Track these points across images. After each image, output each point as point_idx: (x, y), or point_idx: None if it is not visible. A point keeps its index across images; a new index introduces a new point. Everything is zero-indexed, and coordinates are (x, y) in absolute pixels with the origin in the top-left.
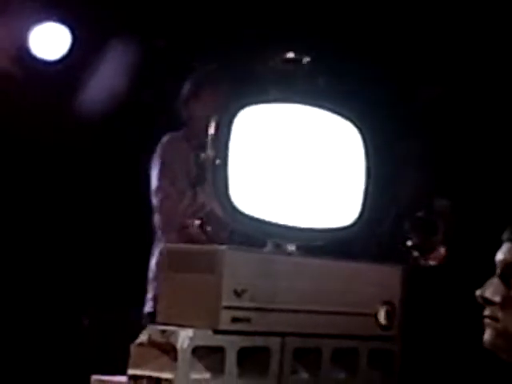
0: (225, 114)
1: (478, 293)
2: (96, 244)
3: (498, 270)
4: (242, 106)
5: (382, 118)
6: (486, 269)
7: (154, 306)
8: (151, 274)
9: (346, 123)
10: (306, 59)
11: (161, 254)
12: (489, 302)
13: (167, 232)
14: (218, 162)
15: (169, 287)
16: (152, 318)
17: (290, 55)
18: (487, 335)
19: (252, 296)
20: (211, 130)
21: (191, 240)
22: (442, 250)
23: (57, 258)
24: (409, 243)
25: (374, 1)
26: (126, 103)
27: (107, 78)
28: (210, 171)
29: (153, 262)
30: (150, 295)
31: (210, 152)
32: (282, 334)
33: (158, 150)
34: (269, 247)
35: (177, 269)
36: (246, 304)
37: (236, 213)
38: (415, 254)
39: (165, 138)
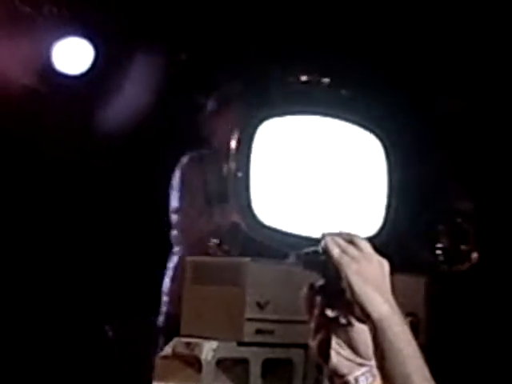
0: (246, 127)
1: None
2: (120, 255)
3: None
4: (264, 119)
5: (405, 129)
6: None
7: (168, 321)
8: (165, 288)
9: (367, 135)
10: (325, 81)
11: (176, 269)
12: None
13: (184, 251)
14: (239, 174)
15: (192, 300)
16: (164, 332)
17: (309, 77)
18: None
19: (275, 308)
20: (233, 144)
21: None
22: (475, 255)
23: (82, 269)
24: (438, 251)
25: (396, 13)
26: (149, 117)
27: (130, 92)
28: (231, 184)
29: (168, 275)
30: (164, 309)
31: (231, 165)
32: (305, 346)
33: (178, 170)
34: (291, 259)
35: (200, 281)
36: (270, 316)
37: (258, 225)
38: (442, 260)
39: (184, 159)
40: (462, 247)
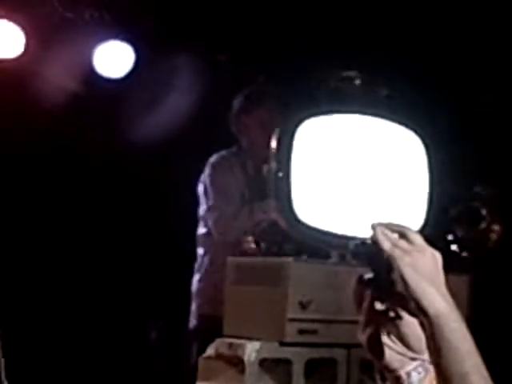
0: (286, 127)
1: None
2: (162, 257)
3: None
4: (304, 118)
5: (442, 124)
6: None
7: (200, 323)
8: (195, 289)
9: (407, 132)
10: (359, 78)
11: (207, 271)
12: None
13: (217, 250)
14: (280, 174)
15: (234, 300)
16: (196, 334)
17: (348, 75)
18: None
19: (317, 308)
20: (273, 143)
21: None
22: (496, 229)
23: (124, 272)
24: (449, 237)
25: (431, 11)
26: (189, 120)
27: (170, 95)
28: (272, 184)
29: (195, 279)
30: (195, 311)
31: (272, 165)
32: (348, 346)
33: (208, 170)
34: (333, 258)
35: (242, 282)
36: (312, 316)
37: (300, 225)
38: (454, 248)
39: (212, 159)
40: (477, 228)
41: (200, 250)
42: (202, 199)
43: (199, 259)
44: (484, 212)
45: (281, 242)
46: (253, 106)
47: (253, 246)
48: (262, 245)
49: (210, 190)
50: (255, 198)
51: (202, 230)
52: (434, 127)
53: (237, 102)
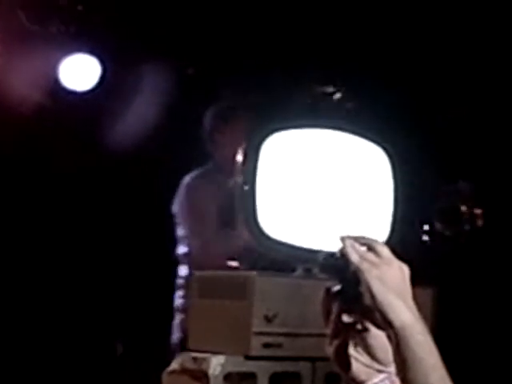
0: (252, 140)
1: None
2: (131, 272)
3: None
4: (270, 132)
5: (409, 140)
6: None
7: (182, 338)
8: (177, 304)
9: (372, 146)
10: (325, 93)
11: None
12: None
13: (197, 268)
14: (246, 188)
15: (199, 314)
16: (181, 346)
17: (314, 87)
18: None
19: (282, 321)
20: (239, 157)
21: None
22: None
23: (92, 285)
24: (425, 227)
25: (399, 23)
26: (156, 132)
27: (137, 108)
28: (238, 197)
29: (179, 294)
30: (177, 326)
31: (238, 178)
32: (313, 359)
33: (183, 191)
34: (299, 272)
35: (207, 296)
36: (277, 329)
37: (265, 238)
38: (425, 238)
39: (187, 179)
40: (457, 225)
41: (183, 269)
42: (180, 220)
43: (179, 275)
44: (463, 208)
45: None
46: (224, 124)
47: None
48: (245, 264)
49: (187, 214)
50: (231, 215)
51: (183, 249)
52: (402, 140)
53: (208, 120)
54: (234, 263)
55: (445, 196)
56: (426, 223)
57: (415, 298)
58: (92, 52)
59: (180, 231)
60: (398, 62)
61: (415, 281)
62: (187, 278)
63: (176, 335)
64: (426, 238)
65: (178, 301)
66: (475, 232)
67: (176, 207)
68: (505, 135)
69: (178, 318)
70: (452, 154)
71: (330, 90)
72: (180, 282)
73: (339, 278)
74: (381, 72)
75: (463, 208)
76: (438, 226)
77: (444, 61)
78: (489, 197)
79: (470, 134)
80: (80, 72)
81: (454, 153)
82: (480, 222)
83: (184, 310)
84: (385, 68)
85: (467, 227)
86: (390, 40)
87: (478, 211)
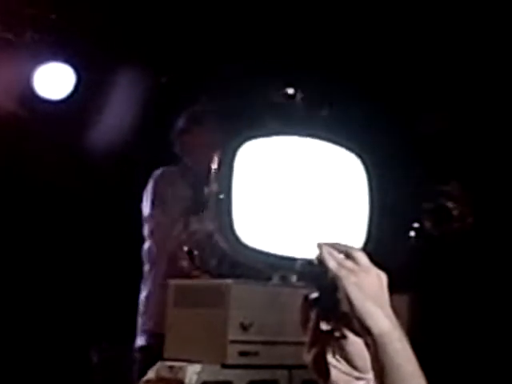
0: (227, 148)
1: None
2: (104, 279)
3: None
4: (245, 140)
5: (383, 146)
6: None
7: (147, 340)
8: (141, 307)
9: (346, 153)
10: (301, 95)
11: (151, 288)
12: None
13: (158, 263)
14: (221, 196)
15: (175, 323)
16: (145, 351)
17: (287, 91)
18: None
19: (258, 329)
20: (214, 165)
21: (181, 270)
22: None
23: (66, 293)
24: (415, 225)
25: (377, 30)
26: (131, 140)
27: (111, 116)
28: (213, 206)
29: (142, 295)
30: (141, 329)
31: (213, 186)
32: (290, 367)
33: (151, 182)
34: (275, 280)
35: (183, 304)
36: (253, 337)
37: (241, 246)
38: (412, 234)
39: (157, 172)
40: (446, 224)
41: (146, 267)
42: (146, 214)
43: (145, 275)
44: (453, 210)
45: (219, 257)
46: (194, 126)
47: (186, 263)
48: (196, 255)
49: (149, 201)
50: (198, 210)
51: (146, 245)
52: (376, 146)
53: (179, 122)
54: (184, 250)
55: (434, 196)
56: (415, 223)
57: (392, 304)
58: (66, 60)
59: (145, 228)
60: (374, 67)
61: (393, 287)
62: (148, 276)
63: (139, 339)
64: (412, 235)
65: (141, 302)
66: (464, 233)
67: (143, 200)
68: (495, 135)
69: (139, 321)
70: (441, 155)
71: (294, 95)
72: (143, 281)
73: (317, 286)
74: (357, 78)
75: (452, 208)
76: (427, 225)
77: (422, 63)
78: (478, 197)
79: (459, 134)
80: (54, 81)
81: (444, 153)
82: (469, 222)
83: (145, 311)
84: (360, 74)
85: (456, 227)
86: (366, 45)
87: (467, 211)
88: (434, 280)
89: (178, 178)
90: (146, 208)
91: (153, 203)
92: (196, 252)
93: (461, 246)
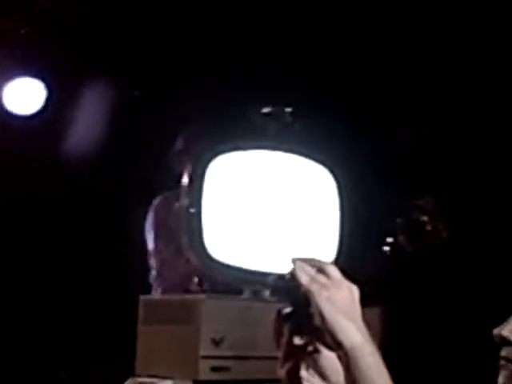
0: (198, 163)
1: (495, 331)
2: (75, 299)
3: None
4: (216, 154)
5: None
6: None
7: None
8: None
9: (317, 166)
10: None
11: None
12: (507, 342)
13: (164, 291)
14: (192, 210)
15: (146, 339)
16: None
17: (267, 110)
18: (502, 378)
19: (230, 344)
20: (185, 179)
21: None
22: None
23: (36, 313)
24: (389, 239)
25: (352, 43)
26: (104, 154)
27: (83, 130)
28: (184, 220)
29: None
30: None
31: (183, 201)
32: (262, 382)
33: (151, 212)
34: (246, 294)
35: (154, 320)
36: (225, 352)
37: (211, 261)
38: (386, 249)
39: (157, 200)
40: (421, 238)
41: (153, 293)
42: (148, 242)
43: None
44: (427, 224)
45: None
46: (193, 147)
47: (197, 287)
48: (206, 286)
49: (152, 233)
50: None
51: (152, 272)
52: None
53: (177, 144)
54: (196, 280)
55: (408, 210)
56: (389, 237)
57: (363, 317)
58: (37, 75)
59: (151, 261)
60: (348, 81)
61: (364, 301)
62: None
63: None
64: (386, 249)
65: None
66: (437, 247)
67: (146, 234)
68: (469, 149)
69: None
70: (416, 169)
71: (266, 109)
72: None
73: (290, 300)
74: (330, 91)
75: (426, 222)
76: (400, 240)
77: (395, 78)
78: (453, 212)
79: (433, 148)
80: (25, 96)
81: (418, 167)
82: (443, 237)
83: None
84: (334, 87)
85: (429, 241)
86: (341, 59)
87: (441, 226)
88: (407, 293)
89: (175, 203)
90: (149, 240)
91: (156, 235)
92: (206, 285)
93: (434, 260)
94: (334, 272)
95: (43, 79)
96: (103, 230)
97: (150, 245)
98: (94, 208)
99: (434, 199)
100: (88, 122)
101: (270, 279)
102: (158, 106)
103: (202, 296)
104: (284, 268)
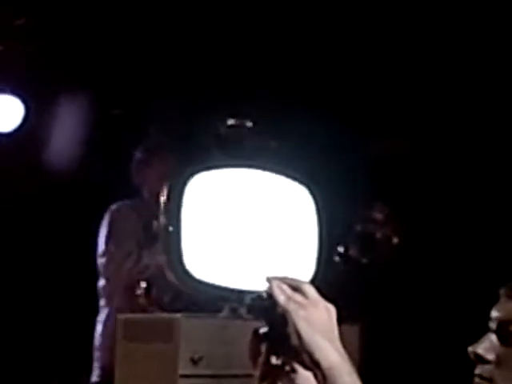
0: (176, 181)
1: (470, 349)
2: (67, 306)
3: (493, 326)
4: (194, 173)
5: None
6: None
7: (102, 376)
8: (97, 342)
9: (295, 184)
10: (249, 124)
11: (106, 323)
12: (482, 360)
13: (112, 298)
14: (170, 229)
15: (125, 358)
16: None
17: (232, 121)
18: None
19: (208, 363)
20: (163, 198)
21: (137, 304)
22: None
23: (26, 319)
24: (340, 249)
25: (327, 54)
26: (81, 173)
27: (61, 148)
28: (162, 239)
29: (98, 330)
30: (96, 364)
31: (162, 220)
32: None
33: (106, 216)
34: (225, 312)
35: (132, 339)
36: (203, 371)
37: (190, 279)
38: (337, 259)
39: (113, 206)
40: (373, 250)
41: (101, 302)
42: (100, 249)
43: (100, 311)
44: (376, 232)
45: (173, 293)
46: (153, 158)
47: (142, 299)
48: (154, 292)
49: (104, 237)
50: (150, 244)
51: (100, 281)
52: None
53: (137, 155)
54: (143, 285)
55: (360, 221)
56: (341, 249)
57: (341, 335)
58: (14, 92)
59: (99, 263)
60: (328, 96)
61: (342, 318)
62: (103, 311)
63: (94, 375)
64: (338, 260)
65: (96, 338)
66: (390, 254)
67: (99, 238)
68: (423, 159)
69: (94, 357)
70: (371, 178)
71: (243, 126)
72: (99, 317)
73: (266, 319)
74: (306, 109)
75: (375, 231)
76: (352, 252)
77: (376, 92)
78: (406, 222)
79: (387, 159)
80: (2, 113)
81: (373, 176)
82: (394, 243)
83: (100, 347)
84: (311, 105)
85: (381, 250)
86: (318, 73)
87: (391, 232)
88: (376, 307)
89: (132, 212)
90: (100, 243)
91: (107, 239)
92: (153, 291)
93: (388, 268)
94: (311, 291)
95: (20, 96)
96: (81, 242)
97: (101, 246)
98: (72, 220)
99: (384, 206)
100: (65, 139)
101: (246, 298)
102: (136, 124)
103: (178, 315)
104: (262, 287)
